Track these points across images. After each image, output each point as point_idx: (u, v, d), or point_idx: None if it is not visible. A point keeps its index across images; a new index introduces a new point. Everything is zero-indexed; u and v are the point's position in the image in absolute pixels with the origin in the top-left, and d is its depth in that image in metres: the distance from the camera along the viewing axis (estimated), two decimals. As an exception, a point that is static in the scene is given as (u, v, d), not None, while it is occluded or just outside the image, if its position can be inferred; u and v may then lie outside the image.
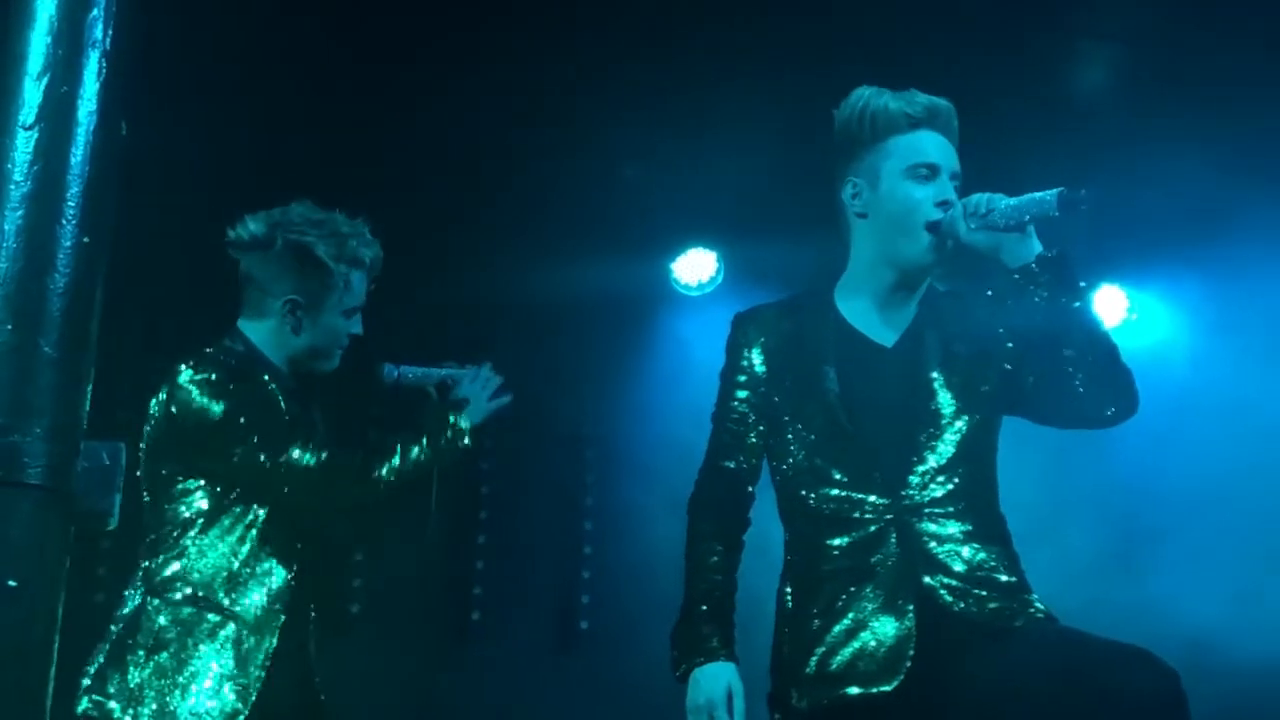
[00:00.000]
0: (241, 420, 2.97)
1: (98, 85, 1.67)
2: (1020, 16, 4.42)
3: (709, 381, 2.81)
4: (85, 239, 1.62)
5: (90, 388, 1.59)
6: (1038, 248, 2.52)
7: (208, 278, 3.39)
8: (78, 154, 1.63)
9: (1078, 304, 2.51)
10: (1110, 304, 5.40)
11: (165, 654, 2.90)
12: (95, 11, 1.67)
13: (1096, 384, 2.50)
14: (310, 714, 3.09)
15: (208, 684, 2.90)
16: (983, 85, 4.31)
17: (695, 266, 5.74)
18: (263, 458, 2.96)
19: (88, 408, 1.58)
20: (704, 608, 2.60)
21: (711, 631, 2.58)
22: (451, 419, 3.15)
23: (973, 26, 4.41)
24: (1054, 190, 2.45)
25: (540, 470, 5.72)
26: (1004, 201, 2.51)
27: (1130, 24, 4.52)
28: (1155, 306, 5.49)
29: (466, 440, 3.16)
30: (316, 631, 3.12)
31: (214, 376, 3.00)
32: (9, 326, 1.52)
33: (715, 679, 2.54)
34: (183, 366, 3.02)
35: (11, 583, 1.43)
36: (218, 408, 2.97)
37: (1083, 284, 2.53)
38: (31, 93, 1.63)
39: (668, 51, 4.67)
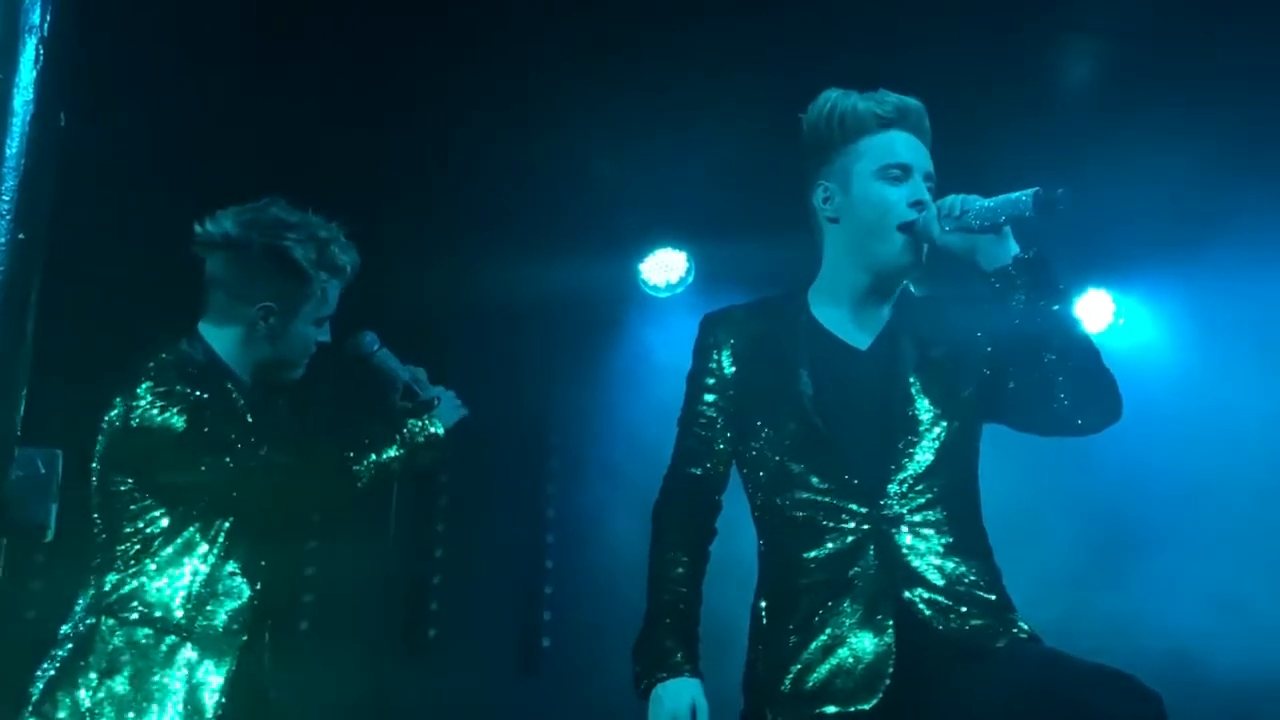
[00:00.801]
0: (206, 430, 2.93)
1: (35, 73, 1.66)
2: (1001, 9, 4.44)
3: (678, 387, 2.81)
4: (20, 235, 1.60)
5: (25, 392, 1.57)
6: (1014, 249, 2.53)
7: (152, 276, 3.36)
8: (13, 146, 1.61)
9: (1057, 306, 2.52)
10: (1096, 308, 5.45)
11: (119, 678, 2.87)
12: (32, -5, 1.66)
13: (1078, 390, 2.51)
14: None
15: (165, 710, 2.87)
16: (964, 81, 4.35)
17: (664, 267, 5.74)
18: (231, 464, 2.93)
19: (22, 413, 1.56)
20: (667, 620, 2.59)
21: (675, 645, 2.57)
22: (425, 422, 3.17)
23: (953, 20, 4.42)
24: (1030, 190, 2.47)
25: (500, 480, 5.70)
26: (979, 202, 2.53)
27: (1116, 18, 4.55)
28: (1141, 310, 5.54)
29: (440, 445, 3.18)
30: (270, 650, 3.10)
31: (176, 388, 2.95)
32: (-61, 328, 1.51)
33: (678, 695, 2.53)
34: (140, 378, 2.97)
35: (-61, 598, 1.41)
36: (180, 420, 2.91)
37: (1062, 286, 2.54)
38: (-36, 81, 1.62)
39: (639, 47, 4.67)
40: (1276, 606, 4.94)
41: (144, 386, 2.95)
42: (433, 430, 3.17)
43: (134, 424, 2.94)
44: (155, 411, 2.92)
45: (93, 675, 2.87)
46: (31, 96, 1.66)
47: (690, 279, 5.71)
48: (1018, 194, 2.49)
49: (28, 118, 1.65)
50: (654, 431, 5.09)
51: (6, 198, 1.59)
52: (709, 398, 2.70)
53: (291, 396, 3.26)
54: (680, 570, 2.63)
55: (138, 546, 2.95)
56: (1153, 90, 4.65)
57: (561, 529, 5.70)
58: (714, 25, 4.55)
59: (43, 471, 1.54)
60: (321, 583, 5.38)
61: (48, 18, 1.68)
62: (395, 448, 3.10)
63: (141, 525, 2.96)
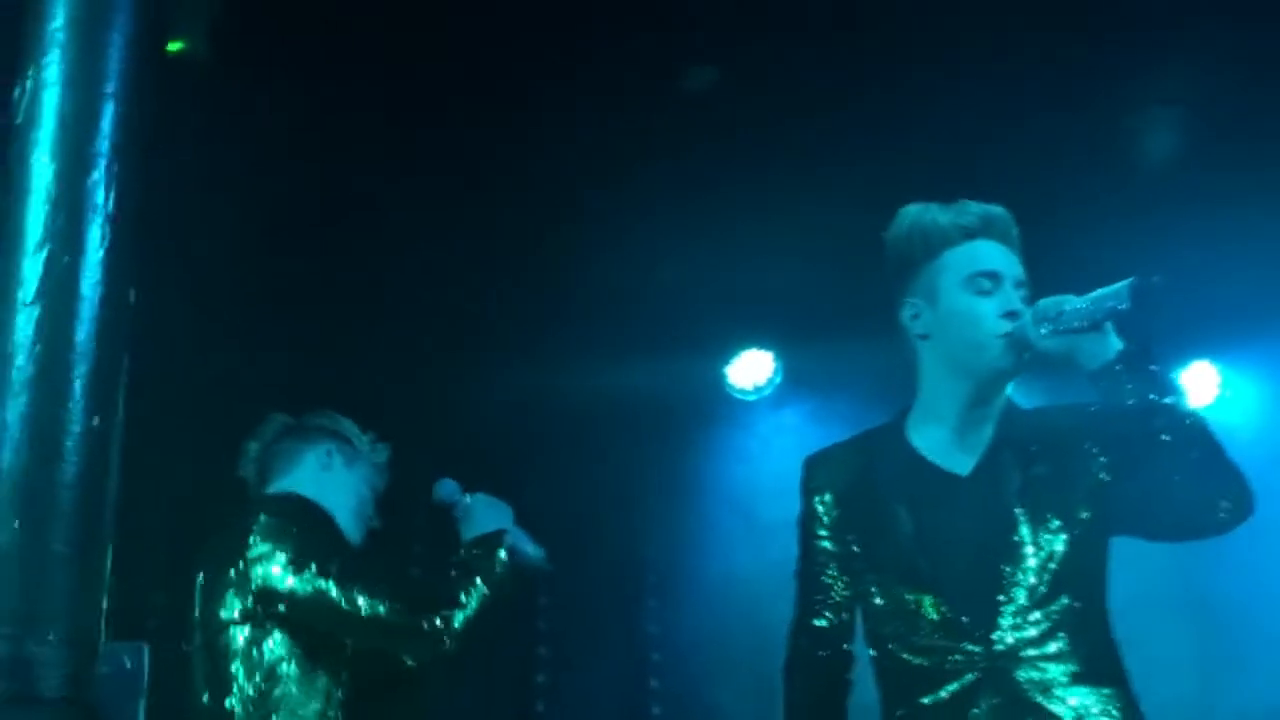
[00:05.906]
0: (312, 559, 3.03)
1: (102, 253, 1.64)
2: (1082, 96, 4.36)
3: (771, 489, 2.77)
4: (94, 421, 1.58)
5: (107, 584, 1.54)
6: (1117, 345, 2.42)
7: (233, 455, 3.40)
8: (83, 330, 1.59)
9: (1169, 399, 2.40)
10: (1201, 381, 5.34)
11: None
12: (96, 175, 1.65)
13: (1202, 484, 2.38)
14: None
15: None
16: (1051, 170, 4.28)
17: (751, 369, 5.68)
18: (335, 593, 3.00)
19: (106, 606, 1.53)
20: None
21: None
22: (497, 553, 3.21)
23: (1030, 105, 4.35)
24: (1125, 281, 2.38)
25: (599, 600, 5.62)
26: (1074, 302, 2.44)
27: (1202, 89, 4.47)
28: (1247, 383, 5.42)
29: (506, 575, 3.21)
30: None
31: (282, 521, 3.10)
32: (15, 524, 1.49)
33: None
34: (251, 522, 3.09)
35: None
36: (289, 545, 3.04)
37: (1173, 377, 2.44)
38: (31, 267, 1.60)
39: (711, 145, 4.66)
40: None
41: (258, 526, 3.07)
42: (503, 559, 3.20)
43: (249, 551, 3.04)
44: (265, 539, 3.05)
45: None
46: (100, 278, 1.64)
47: (778, 379, 5.64)
48: (1113, 287, 2.40)
49: (96, 300, 1.63)
50: (748, 537, 5.05)
51: (78, 385, 1.57)
52: (818, 545, 2.61)
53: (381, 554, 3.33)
54: None
55: (259, 677, 3.01)
56: (1249, 155, 4.55)
57: (665, 647, 5.60)
58: (798, 120, 4.51)
59: (129, 667, 1.51)
60: (425, 710, 5.31)
61: (111, 196, 1.67)
62: (476, 592, 3.13)
63: (259, 661, 3.02)
